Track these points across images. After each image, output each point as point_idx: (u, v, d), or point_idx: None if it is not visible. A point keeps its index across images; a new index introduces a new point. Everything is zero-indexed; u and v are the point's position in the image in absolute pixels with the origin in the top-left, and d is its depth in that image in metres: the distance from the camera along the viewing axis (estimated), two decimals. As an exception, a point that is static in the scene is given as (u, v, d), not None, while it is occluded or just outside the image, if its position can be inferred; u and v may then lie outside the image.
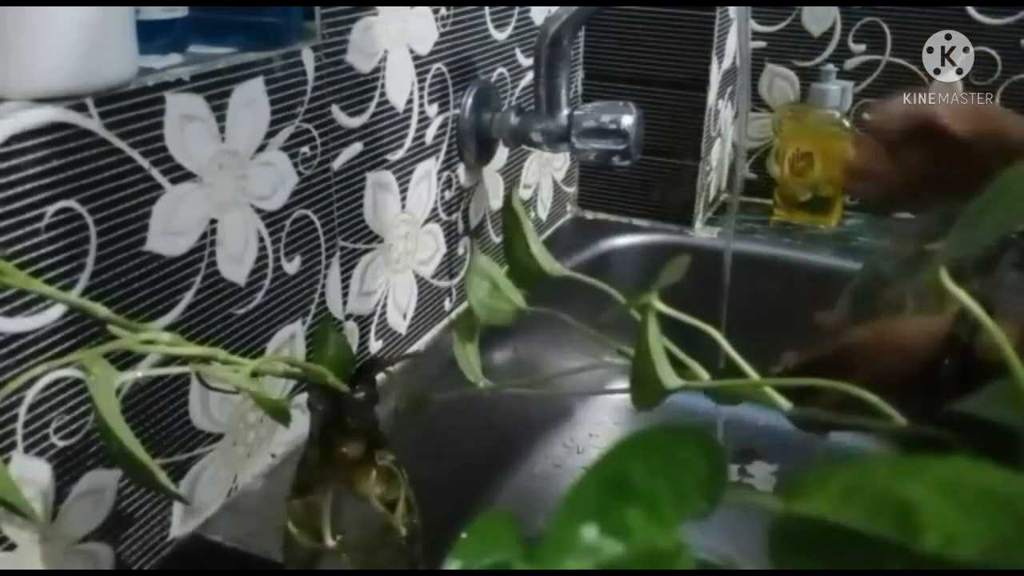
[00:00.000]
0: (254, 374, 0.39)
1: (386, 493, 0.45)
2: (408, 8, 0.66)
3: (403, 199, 0.71)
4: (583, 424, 0.93)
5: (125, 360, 0.47)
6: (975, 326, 0.50)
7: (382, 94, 0.65)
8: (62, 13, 0.41)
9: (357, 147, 0.63)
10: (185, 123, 0.48)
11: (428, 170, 0.73)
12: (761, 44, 1.06)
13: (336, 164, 0.61)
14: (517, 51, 0.84)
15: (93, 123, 0.43)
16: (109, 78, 0.44)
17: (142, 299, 0.48)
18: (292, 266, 0.59)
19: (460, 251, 0.81)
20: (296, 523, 0.44)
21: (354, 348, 0.68)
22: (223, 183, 0.52)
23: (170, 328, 0.49)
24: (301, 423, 0.48)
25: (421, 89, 0.70)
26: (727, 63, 1.01)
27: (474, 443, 0.76)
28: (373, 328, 0.70)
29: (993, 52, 0.96)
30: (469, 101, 0.77)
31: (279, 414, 0.40)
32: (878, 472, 0.15)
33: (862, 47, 1.01)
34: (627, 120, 0.74)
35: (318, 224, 0.61)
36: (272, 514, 0.55)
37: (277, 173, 0.56)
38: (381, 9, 0.63)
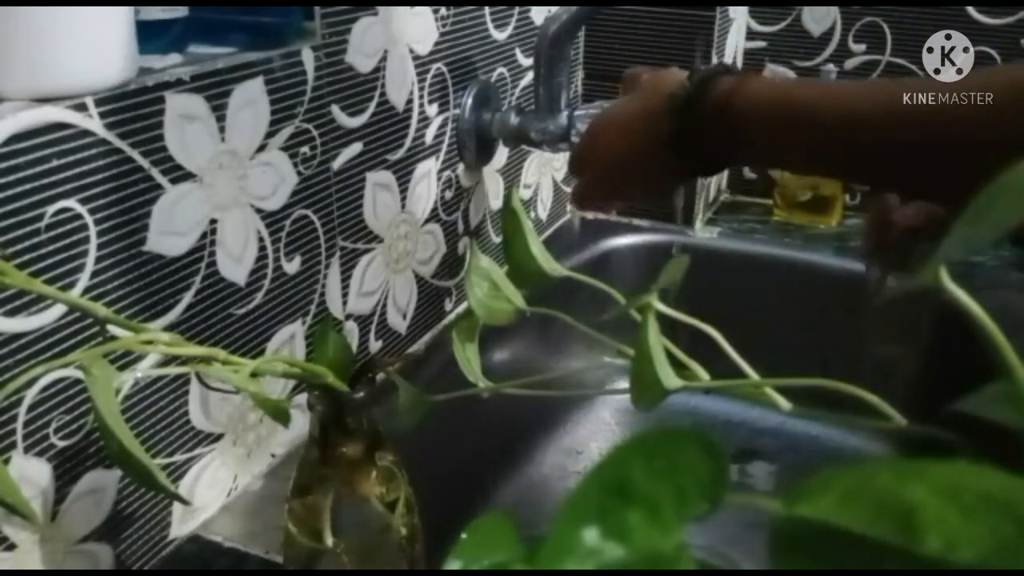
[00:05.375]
0: (254, 374, 0.39)
1: (386, 493, 0.45)
2: (408, 8, 0.66)
3: (403, 199, 0.71)
4: (583, 424, 0.93)
5: (125, 360, 0.47)
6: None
7: (382, 94, 0.65)
8: (62, 13, 0.41)
9: (357, 147, 0.63)
10: (185, 123, 0.48)
11: (428, 170, 0.73)
12: (761, 44, 1.06)
13: (336, 164, 0.61)
14: (517, 51, 0.84)
15: (93, 123, 0.43)
16: (109, 78, 0.44)
17: (142, 299, 0.48)
18: (292, 266, 0.59)
19: (460, 251, 0.81)
20: (296, 523, 0.44)
21: (354, 348, 0.68)
22: (223, 183, 0.52)
23: (170, 328, 0.50)
24: (301, 423, 0.49)
25: (421, 89, 0.70)
26: (727, 63, 1.01)
27: (474, 443, 0.76)
28: (373, 328, 0.70)
29: (993, 52, 0.96)
30: (469, 101, 0.77)
31: (279, 414, 0.40)
32: (879, 475, 0.15)
33: (862, 47, 1.01)
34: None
35: (318, 224, 0.61)
36: (272, 514, 0.55)
37: (277, 173, 0.56)
38: (381, 9, 0.63)
